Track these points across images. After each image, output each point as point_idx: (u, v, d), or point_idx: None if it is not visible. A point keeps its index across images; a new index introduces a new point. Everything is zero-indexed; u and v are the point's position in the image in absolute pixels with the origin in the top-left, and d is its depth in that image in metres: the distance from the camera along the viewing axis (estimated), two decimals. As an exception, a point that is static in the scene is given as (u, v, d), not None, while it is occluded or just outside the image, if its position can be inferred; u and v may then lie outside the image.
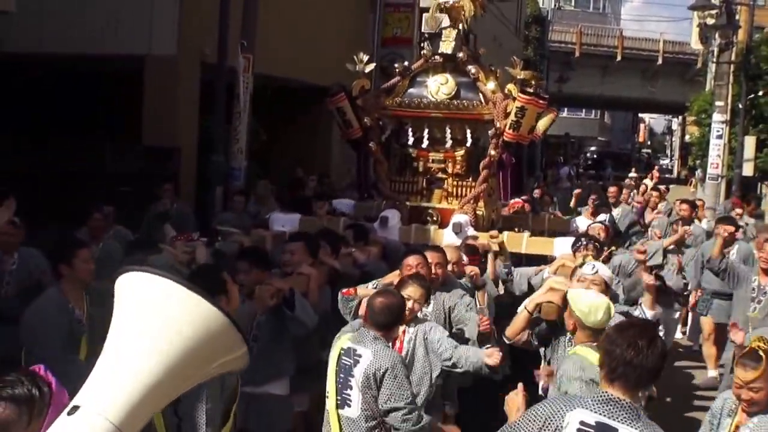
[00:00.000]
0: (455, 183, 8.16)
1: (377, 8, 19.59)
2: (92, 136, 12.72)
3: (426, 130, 8.11)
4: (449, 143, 8.10)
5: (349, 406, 4.48)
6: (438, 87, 8.02)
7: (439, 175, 8.24)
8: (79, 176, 11.81)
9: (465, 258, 6.42)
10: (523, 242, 7.52)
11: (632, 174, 27.26)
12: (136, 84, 12.63)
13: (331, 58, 13.88)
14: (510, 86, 7.79)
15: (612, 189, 13.10)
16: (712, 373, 9.39)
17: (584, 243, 6.52)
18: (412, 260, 5.49)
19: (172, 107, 12.62)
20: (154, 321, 1.52)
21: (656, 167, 29.49)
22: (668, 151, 76.76)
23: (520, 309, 5.02)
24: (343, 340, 4.61)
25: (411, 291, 4.95)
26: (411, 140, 8.31)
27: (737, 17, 20.47)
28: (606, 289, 5.16)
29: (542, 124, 8.56)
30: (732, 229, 8.91)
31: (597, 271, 5.20)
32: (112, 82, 13.28)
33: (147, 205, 10.04)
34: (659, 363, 3.07)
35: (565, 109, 55.92)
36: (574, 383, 4.16)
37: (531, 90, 7.53)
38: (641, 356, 2.99)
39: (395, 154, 8.71)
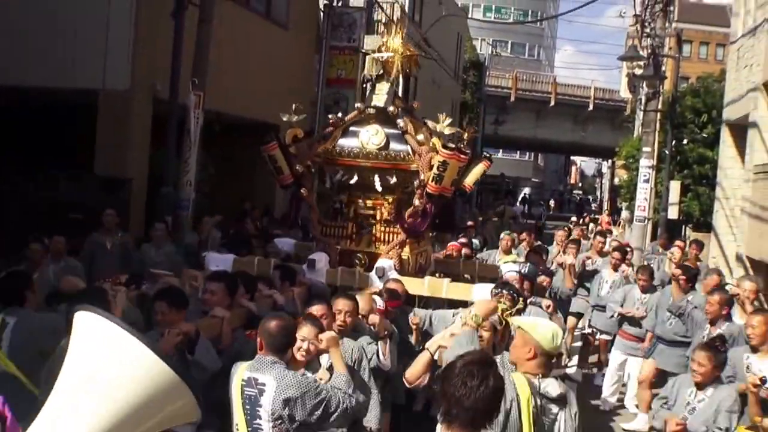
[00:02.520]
0: (383, 229, 8.19)
1: (323, 50, 20.04)
2: (47, 166, 12.81)
3: (355, 178, 8.15)
4: (378, 191, 8.15)
5: None
6: (369, 137, 8.04)
7: (369, 221, 8.27)
8: (32, 205, 11.94)
9: (381, 303, 6.43)
10: (443, 287, 7.49)
11: (573, 218, 27.78)
12: (91, 116, 12.75)
13: (279, 96, 14.26)
14: (434, 140, 7.80)
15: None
16: (643, 416, 9.16)
17: (501, 291, 6.42)
18: (315, 309, 5.37)
19: (124, 139, 12.77)
20: (110, 366, 1.52)
21: (604, 214, 29.77)
22: (598, 193, 78.49)
23: (422, 353, 4.82)
24: (241, 371, 4.48)
25: (305, 332, 4.79)
26: (339, 187, 8.36)
27: (663, 68, 21.01)
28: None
29: (473, 175, 8.62)
30: (687, 276, 9.08)
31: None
32: (66, 114, 13.39)
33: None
34: (493, 403, 2.90)
35: (501, 150, 57.01)
36: None
37: (452, 145, 7.56)
38: (472, 396, 2.82)
39: (327, 199, 8.71)
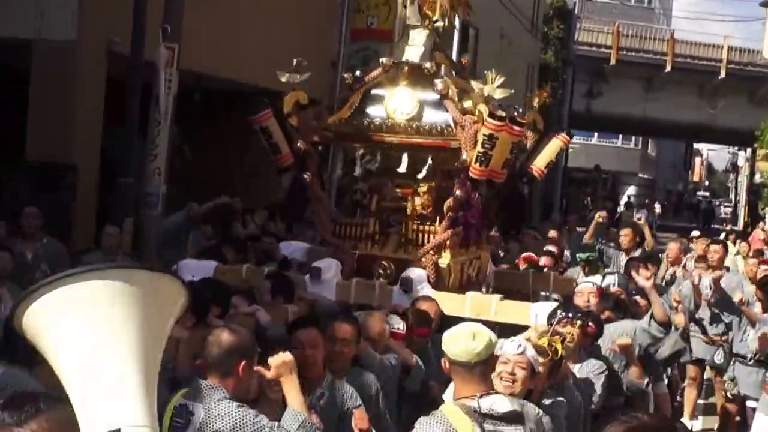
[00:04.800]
0: (415, 227, 8.30)
1: (347, -9, 19.93)
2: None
3: (379, 159, 8.32)
4: (409, 176, 8.30)
5: None
6: (397, 105, 8.18)
7: (396, 216, 8.40)
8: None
9: (400, 327, 6.54)
10: (491, 307, 7.60)
11: (694, 233, 27.33)
12: (20, 79, 12.77)
13: (284, 53, 14.07)
14: (480, 107, 7.89)
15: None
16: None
17: (564, 315, 6.55)
18: (303, 336, 5.59)
19: (67, 112, 12.74)
20: (87, 324, 1.84)
21: (760, 226, 29.07)
22: (732, 195, 77.62)
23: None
24: (176, 398, 4.74)
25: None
26: (359, 171, 8.50)
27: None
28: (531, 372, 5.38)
29: (545, 155, 8.73)
30: None
31: (523, 351, 5.34)
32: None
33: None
34: None
35: (595, 134, 56.67)
36: None
37: (503, 113, 7.66)
38: None
39: (342, 188, 8.84)
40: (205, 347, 4.77)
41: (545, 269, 10.72)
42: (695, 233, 26.59)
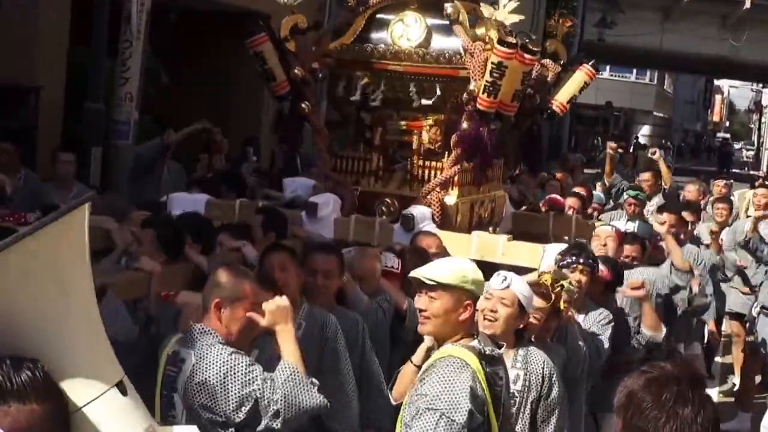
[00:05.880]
0: (422, 163, 8.38)
1: None
2: None
3: (383, 89, 8.33)
4: (416, 108, 8.36)
5: None
6: (404, 30, 8.24)
7: (402, 151, 8.52)
8: None
9: (394, 263, 6.63)
10: (498, 248, 7.68)
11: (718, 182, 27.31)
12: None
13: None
14: (490, 33, 7.95)
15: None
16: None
17: (575, 259, 6.62)
18: (273, 259, 5.74)
19: (29, 29, 12.63)
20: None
21: None
22: (754, 137, 77.77)
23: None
24: (170, 345, 4.81)
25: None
26: (358, 98, 8.52)
27: None
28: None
29: (568, 89, 8.83)
30: None
31: (508, 286, 5.39)
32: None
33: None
34: None
35: (608, 67, 56.46)
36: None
37: (513, 40, 7.69)
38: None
39: (344, 119, 8.92)
40: (204, 288, 4.86)
41: (570, 211, 10.69)
42: (718, 182, 26.61)
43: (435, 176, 8.28)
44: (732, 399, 11.72)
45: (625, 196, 12.19)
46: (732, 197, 15.70)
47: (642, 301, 7.44)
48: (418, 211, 7.92)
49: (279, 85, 8.36)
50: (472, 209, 8.49)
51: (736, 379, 11.93)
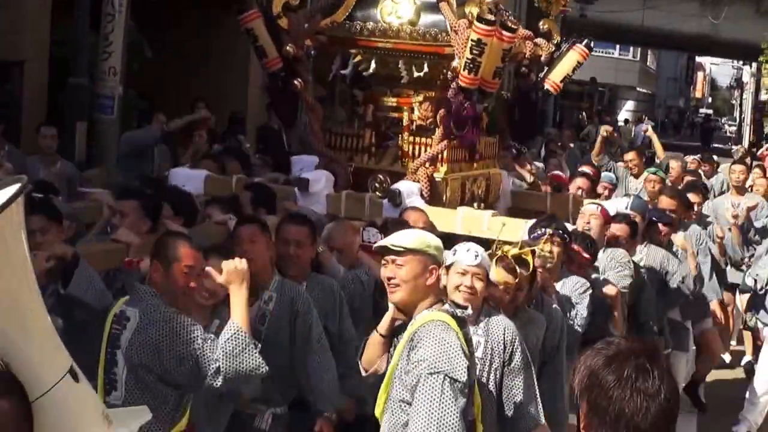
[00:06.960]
0: (413, 140, 8.41)
1: None
2: None
3: (373, 66, 8.35)
4: (406, 84, 8.39)
5: (116, 389, 4.78)
6: (393, 6, 8.26)
7: (393, 128, 8.53)
8: None
9: (375, 237, 6.59)
10: (483, 222, 7.72)
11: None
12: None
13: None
14: (471, 9, 7.93)
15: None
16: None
17: (545, 230, 6.61)
18: (243, 232, 5.83)
19: (12, 4, 12.57)
20: None
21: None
22: (736, 113, 77.92)
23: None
24: (117, 305, 4.98)
25: (214, 265, 5.11)
26: (349, 76, 8.57)
27: None
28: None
29: (562, 68, 8.84)
30: None
31: (480, 262, 5.38)
32: None
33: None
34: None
35: (591, 43, 56.40)
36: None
37: (492, 17, 7.66)
38: (654, 407, 2.89)
39: (338, 96, 9.04)
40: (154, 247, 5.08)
41: (579, 192, 10.57)
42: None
43: (424, 152, 8.34)
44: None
45: (645, 173, 12.19)
46: (718, 172, 15.75)
47: (613, 308, 7.52)
48: (405, 186, 7.97)
49: (271, 62, 8.37)
50: (463, 186, 8.53)
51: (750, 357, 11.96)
